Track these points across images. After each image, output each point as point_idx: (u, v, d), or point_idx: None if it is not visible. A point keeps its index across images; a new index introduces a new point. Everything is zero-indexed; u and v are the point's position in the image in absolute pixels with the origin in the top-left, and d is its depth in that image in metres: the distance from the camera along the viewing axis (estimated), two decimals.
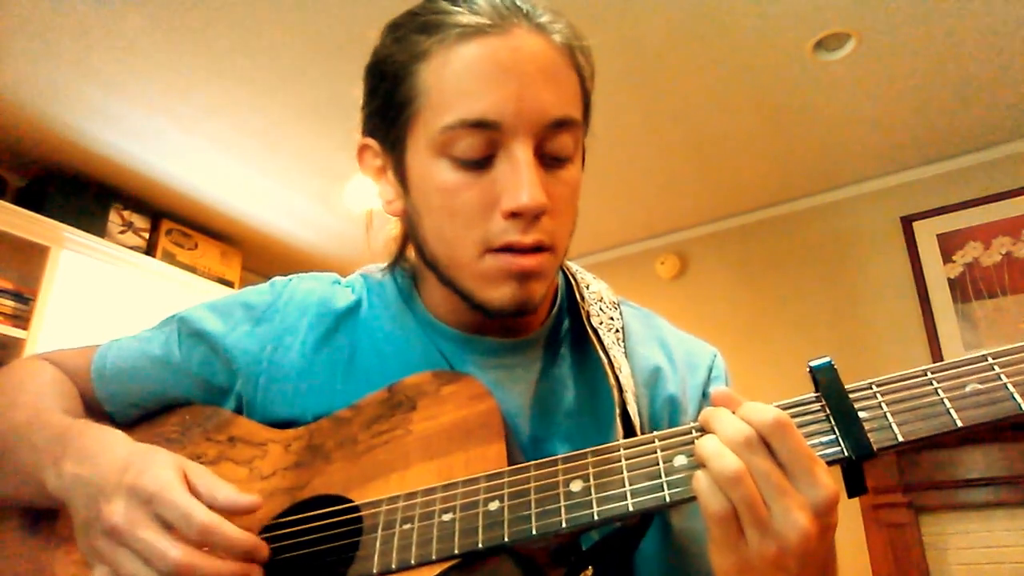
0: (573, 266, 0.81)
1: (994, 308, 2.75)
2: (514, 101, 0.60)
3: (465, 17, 0.62)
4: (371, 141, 0.70)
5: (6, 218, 2.63)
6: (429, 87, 0.62)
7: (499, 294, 0.63)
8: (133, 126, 2.66)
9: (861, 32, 2.23)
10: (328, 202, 3.21)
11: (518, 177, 0.60)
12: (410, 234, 0.71)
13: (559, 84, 0.63)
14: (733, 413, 0.51)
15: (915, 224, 2.98)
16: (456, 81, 0.61)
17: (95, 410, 0.79)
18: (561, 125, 0.62)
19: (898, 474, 2.55)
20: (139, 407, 0.80)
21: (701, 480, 0.49)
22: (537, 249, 0.62)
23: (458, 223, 0.62)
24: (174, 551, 0.52)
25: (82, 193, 2.94)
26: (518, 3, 0.64)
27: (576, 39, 0.67)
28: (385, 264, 0.78)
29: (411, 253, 0.75)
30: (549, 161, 0.63)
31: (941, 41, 2.27)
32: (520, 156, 0.60)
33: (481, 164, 0.61)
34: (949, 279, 2.86)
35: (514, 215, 0.60)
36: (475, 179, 0.62)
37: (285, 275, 0.81)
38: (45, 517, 0.71)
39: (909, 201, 3.02)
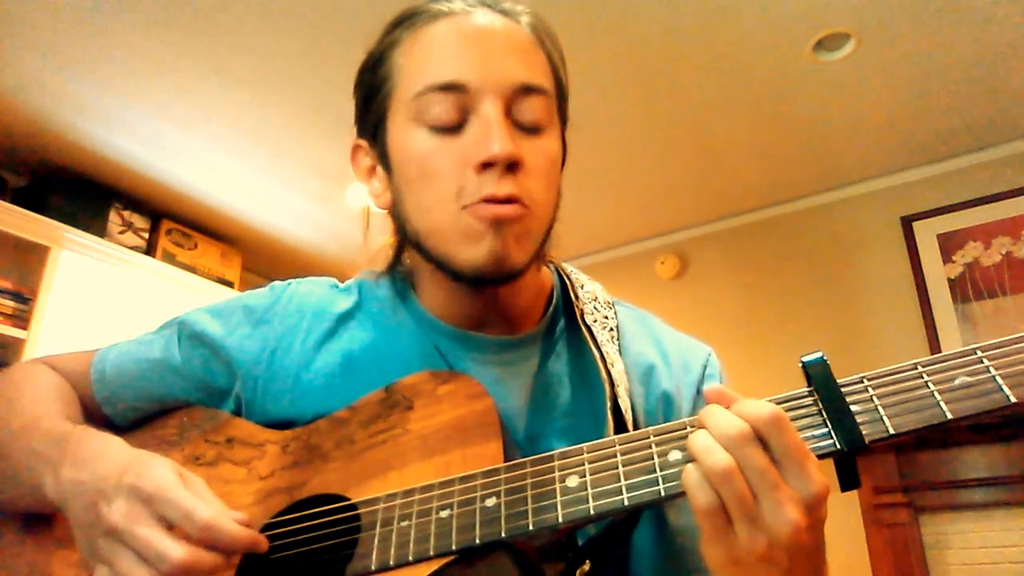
0: (568, 267, 0.81)
1: (994, 308, 2.75)
2: (480, 63, 0.64)
3: (434, 6, 0.68)
4: (361, 140, 0.74)
5: (6, 218, 2.63)
6: (401, 66, 0.68)
7: (476, 250, 0.63)
8: (133, 126, 2.66)
9: (861, 32, 2.23)
10: (328, 202, 3.21)
11: (487, 131, 0.62)
12: (395, 219, 0.72)
13: (525, 55, 0.67)
14: (728, 409, 0.51)
15: (915, 224, 2.98)
16: (424, 54, 0.67)
17: (94, 414, 0.79)
18: (529, 91, 0.65)
19: (898, 474, 2.55)
20: (138, 410, 0.80)
21: (690, 474, 0.49)
22: (512, 202, 0.63)
23: (435, 186, 0.65)
24: (176, 550, 0.52)
25: (82, 193, 2.95)
26: None
27: (545, 29, 0.71)
28: (381, 269, 0.79)
29: (407, 257, 0.76)
30: (521, 128, 0.65)
31: (941, 41, 2.27)
32: (489, 112, 0.63)
33: (454, 129, 0.65)
34: (949, 279, 2.86)
35: (485, 166, 0.62)
36: (449, 142, 0.64)
37: (284, 276, 0.82)
38: (42, 520, 0.71)
39: (909, 201, 3.02)
